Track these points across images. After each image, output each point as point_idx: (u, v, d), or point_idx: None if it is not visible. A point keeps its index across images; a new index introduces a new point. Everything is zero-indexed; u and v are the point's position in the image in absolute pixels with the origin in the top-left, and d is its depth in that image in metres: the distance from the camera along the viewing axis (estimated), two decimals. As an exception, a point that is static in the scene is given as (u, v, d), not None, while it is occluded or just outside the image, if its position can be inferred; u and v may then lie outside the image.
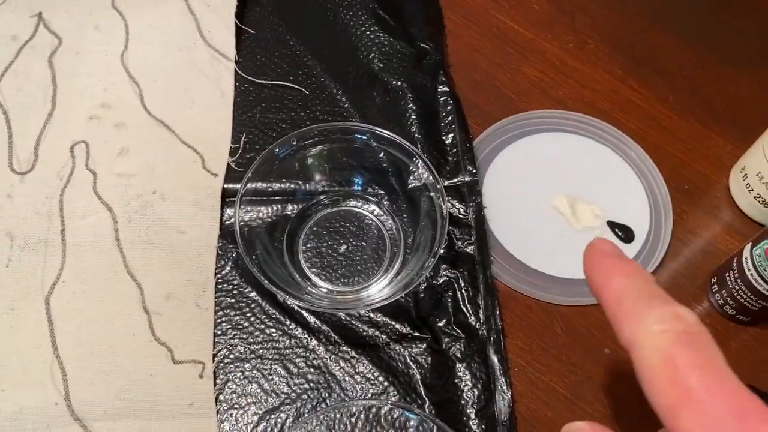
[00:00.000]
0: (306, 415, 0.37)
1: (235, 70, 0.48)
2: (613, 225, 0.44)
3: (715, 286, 0.41)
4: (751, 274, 0.37)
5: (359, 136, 0.41)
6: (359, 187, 0.44)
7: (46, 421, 0.37)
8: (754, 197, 0.43)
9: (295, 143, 0.40)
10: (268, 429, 0.37)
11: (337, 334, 0.40)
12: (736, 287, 0.39)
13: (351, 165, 0.43)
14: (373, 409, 0.35)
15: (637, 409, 0.39)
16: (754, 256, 0.37)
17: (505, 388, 0.38)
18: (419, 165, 0.41)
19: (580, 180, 0.45)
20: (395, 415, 0.35)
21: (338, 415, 0.35)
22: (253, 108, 0.47)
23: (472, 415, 0.37)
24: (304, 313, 0.40)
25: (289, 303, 0.40)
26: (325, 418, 0.35)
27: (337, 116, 0.47)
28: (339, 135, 0.41)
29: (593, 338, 0.41)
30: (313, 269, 0.42)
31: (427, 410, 0.37)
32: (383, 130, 0.41)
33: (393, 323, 0.40)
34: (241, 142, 0.45)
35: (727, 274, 0.40)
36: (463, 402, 0.38)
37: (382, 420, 0.35)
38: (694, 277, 0.43)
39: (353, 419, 0.35)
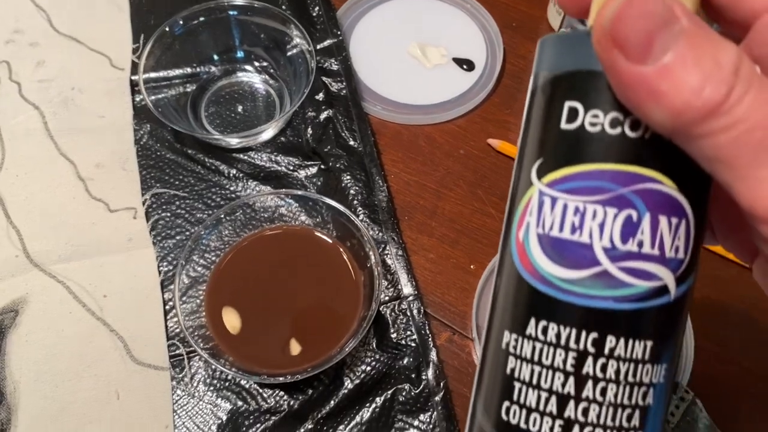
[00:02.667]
0: (212, 215, 0.45)
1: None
2: (457, 60, 0.54)
3: (540, 88, 0.51)
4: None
5: (233, 12, 0.50)
6: (245, 60, 0.52)
7: (10, 271, 0.44)
8: (558, 14, 0.54)
9: (181, 22, 0.49)
10: (192, 246, 0.45)
11: (244, 171, 0.48)
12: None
13: (235, 44, 0.52)
14: (271, 197, 0.44)
15: (489, 185, 0.49)
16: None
17: (381, 183, 0.48)
18: (293, 34, 0.50)
19: (428, 31, 0.55)
20: (293, 205, 0.44)
21: (241, 209, 0.44)
22: (148, 15, 0.55)
23: (358, 206, 0.47)
24: (215, 162, 0.49)
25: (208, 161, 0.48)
26: (230, 212, 0.43)
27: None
28: (217, 13, 0.50)
29: (450, 145, 0.51)
30: (216, 129, 0.50)
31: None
32: (257, 2, 0.50)
33: (289, 158, 0.49)
34: (141, 41, 0.53)
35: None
36: (350, 198, 0.47)
37: (284, 210, 0.44)
38: (526, 88, 0.53)
39: (255, 208, 0.44)
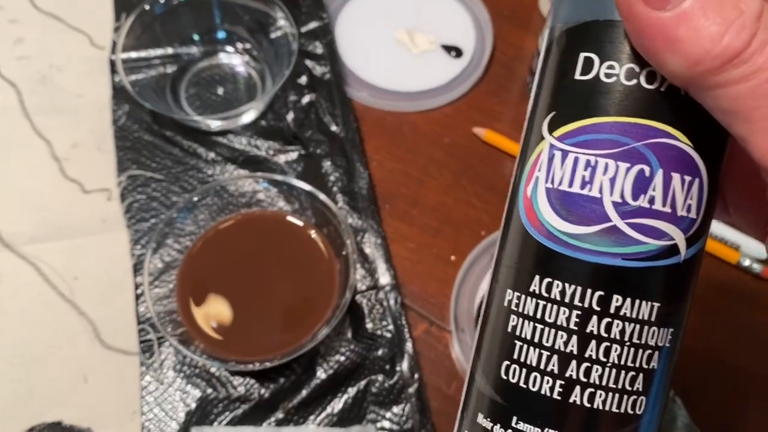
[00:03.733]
0: (185, 198, 0.44)
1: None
2: (446, 47, 0.53)
3: (528, 77, 0.50)
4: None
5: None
6: (227, 41, 0.51)
7: (-20, 252, 0.43)
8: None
9: (162, 2, 0.48)
10: (166, 230, 0.44)
11: (222, 155, 0.47)
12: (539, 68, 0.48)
13: (217, 24, 0.51)
14: (248, 181, 0.43)
15: (473, 174, 0.48)
16: (544, 35, 0.46)
17: (362, 170, 0.47)
18: (278, 15, 0.49)
19: (416, 16, 0.54)
20: (272, 190, 0.43)
21: (216, 193, 0.43)
22: (130, -7, 0.54)
23: (338, 193, 0.46)
24: (194, 144, 0.48)
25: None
26: (203, 195, 0.42)
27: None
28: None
29: (434, 133, 0.50)
30: (196, 111, 0.49)
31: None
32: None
33: (269, 142, 0.48)
34: (122, 20, 0.52)
35: (532, 62, 0.49)
36: (329, 185, 0.46)
37: (262, 195, 0.43)
38: (515, 77, 0.52)
39: (231, 192, 0.43)
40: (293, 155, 0.48)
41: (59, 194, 0.46)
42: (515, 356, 0.19)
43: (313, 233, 0.42)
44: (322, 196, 0.42)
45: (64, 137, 0.48)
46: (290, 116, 0.49)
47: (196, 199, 0.42)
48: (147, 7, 0.47)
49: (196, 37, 0.50)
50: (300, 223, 0.43)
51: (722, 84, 0.16)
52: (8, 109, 0.48)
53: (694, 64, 0.16)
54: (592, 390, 0.18)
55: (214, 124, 0.47)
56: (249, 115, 0.48)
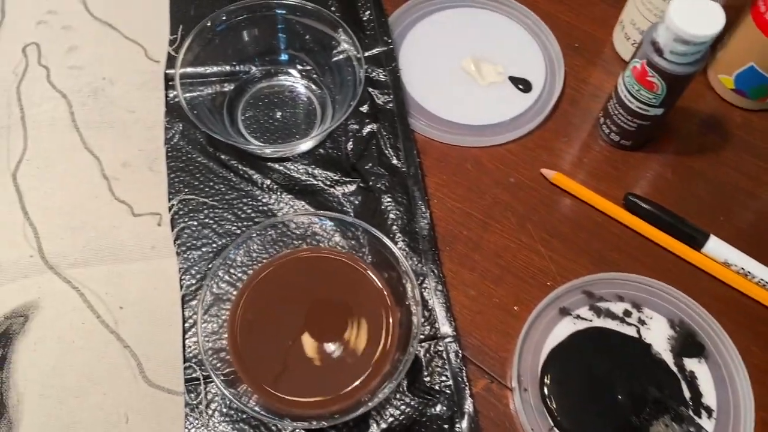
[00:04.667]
0: (244, 233, 0.41)
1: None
2: (513, 80, 0.50)
3: (602, 117, 0.48)
4: (624, 95, 0.44)
5: (281, 11, 0.47)
6: (288, 63, 0.49)
7: (23, 271, 0.41)
8: (631, 44, 0.50)
9: (224, 18, 0.46)
10: (221, 261, 0.42)
11: (278, 183, 0.45)
12: (616, 111, 0.46)
13: (279, 45, 0.49)
14: (309, 219, 0.41)
15: (539, 219, 0.45)
16: (625, 78, 0.44)
17: (424, 209, 0.44)
18: (341, 38, 0.47)
19: (484, 45, 0.51)
20: (327, 224, 0.41)
21: (273, 227, 0.41)
22: (189, 4, 0.52)
23: (398, 232, 0.43)
24: (249, 170, 0.46)
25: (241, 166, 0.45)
26: (262, 231, 0.40)
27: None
28: (263, 11, 0.46)
29: (500, 171, 0.47)
30: (253, 135, 0.47)
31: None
32: (308, 3, 0.46)
33: (327, 172, 0.46)
34: (179, 33, 0.50)
35: (608, 103, 0.46)
36: (389, 222, 0.44)
37: (318, 228, 0.41)
38: (586, 116, 0.50)
39: (291, 231, 0.41)
40: (351, 187, 0.45)
41: (107, 215, 0.44)
42: None
43: (374, 279, 0.40)
44: (384, 238, 0.39)
45: (114, 155, 0.46)
46: (350, 146, 0.46)
47: (254, 234, 0.40)
48: (209, 23, 0.45)
49: (256, 56, 0.48)
50: (361, 266, 0.41)
51: None
52: (58, 121, 0.46)
53: None
54: None
55: (269, 149, 0.45)
56: (307, 144, 0.45)
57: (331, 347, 0.38)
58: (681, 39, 0.38)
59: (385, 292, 0.40)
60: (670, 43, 0.39)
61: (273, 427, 0.38)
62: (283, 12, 0.47)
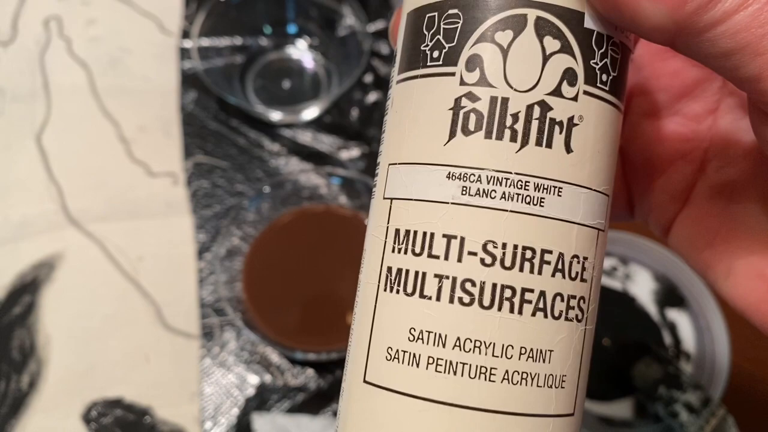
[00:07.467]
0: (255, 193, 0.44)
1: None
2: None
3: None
4: None
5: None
6: (296, 35, 0.52)
7: (49, 226, 0.44)
8: None
9: (237, -11, 0.49)
10: (232, 217, 0.45)
11: (288, 148, 0.48)
12: None
13: (287, 17, 0.52)
14: (317, 178, 0.44)
15: None
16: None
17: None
18: (347, 12, 0.50)
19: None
20: (334, 185, 0.44)
21: (280, 189, 0.43)
22: (201, -18, 0.55)
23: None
24: (258, 136, 0.48)
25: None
26: (275, 186, 0.43)
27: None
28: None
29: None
30: (262, 103, 0.50)
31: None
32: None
33: (334, 137, 0.49)
34: (195, 6, 0.53)
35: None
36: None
37: (324, 190, 0.44)
38: None
39: (299, 190, 0.44)
40: (356, 152, 0.48)
41: (126, 175, 0.46)
42: None
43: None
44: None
45: (132, 120, 0.48)
46: (355, 113, 0.49)
47: (267, 190, 0.43)
48: (222, -2, 0.48)
49: (267, 28, 0.51)
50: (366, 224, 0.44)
51: (718, 20, 0.14)
52: (79, 88, 0.49)
53: (678, 5, 0.14)
54: None
55: (278, 116, 0.48)
56: (312, 111, 0.48)
57: (339, 293, 0.41)
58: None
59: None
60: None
61: (283, 367, 0.41)
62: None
